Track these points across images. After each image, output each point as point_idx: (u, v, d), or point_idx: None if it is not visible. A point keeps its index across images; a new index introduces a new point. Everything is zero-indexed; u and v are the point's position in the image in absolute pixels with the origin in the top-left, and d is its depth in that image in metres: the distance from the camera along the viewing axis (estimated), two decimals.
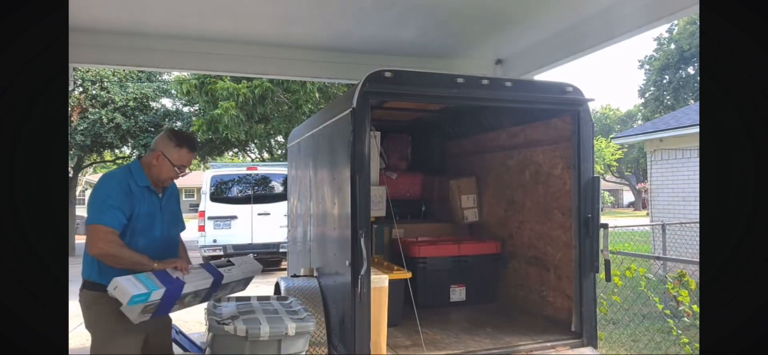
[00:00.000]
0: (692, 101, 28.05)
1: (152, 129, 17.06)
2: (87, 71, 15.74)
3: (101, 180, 3.03)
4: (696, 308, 4.93)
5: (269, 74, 7.64)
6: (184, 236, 3.42)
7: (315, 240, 4.11)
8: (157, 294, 2.62)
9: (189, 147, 3.02)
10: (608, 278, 3.49)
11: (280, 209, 11.73)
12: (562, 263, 3.80)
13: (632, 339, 6.22)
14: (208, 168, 13.48)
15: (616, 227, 10.32)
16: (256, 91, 12.86)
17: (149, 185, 2.99)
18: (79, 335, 5.97)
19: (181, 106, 18.36)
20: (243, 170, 13.23)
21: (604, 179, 32.26)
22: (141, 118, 16.81)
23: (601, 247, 3.47)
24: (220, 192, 12.70)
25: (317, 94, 13.22)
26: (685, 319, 5.26)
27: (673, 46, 32.56)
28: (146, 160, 3.04)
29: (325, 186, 3.72)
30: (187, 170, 3.07)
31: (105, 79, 16.20)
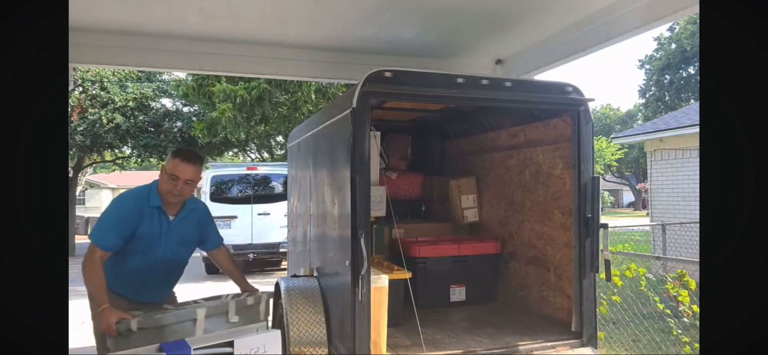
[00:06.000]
0: (693, 101, 28.02)
1: (152, 129, 17.06)
2: (87, 71, 15.74)
3: (118, 197, 3.18)
4: (696, 308, 4.93)
5: (269, 74, 7.63)
6: None
7: (315, 240, 4.11)
8: None
9: (181, 157, 3.09)
10: (608, 278, 3.48)
11: (280, 209, 11.72)
12: (562, 263, 3.80)
13: (632, 339, 6.22)
14: (208, 168, 13.48)
15: (616, 227, 10.34)
16: (252, 93, 12.85)
17: (161, 206, 3.09)
18: (79, 335, 5.98)
19: (180, 106, 18.36)
20: (243, 170, 13.22)
21: (604, 179, 32.24)
22: (140, 118, 16.81)
23: (601, 247, 3.47)
24: (220, 192, 12.70)
25: (314, 96, 13.20)
26: (685, 319, 5.25)
27: (673, 45, 32.54)
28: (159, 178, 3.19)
29: (325, 186, 3.72)
30: (182, 182, 3.06)
31: (105, 79, 16.20)
